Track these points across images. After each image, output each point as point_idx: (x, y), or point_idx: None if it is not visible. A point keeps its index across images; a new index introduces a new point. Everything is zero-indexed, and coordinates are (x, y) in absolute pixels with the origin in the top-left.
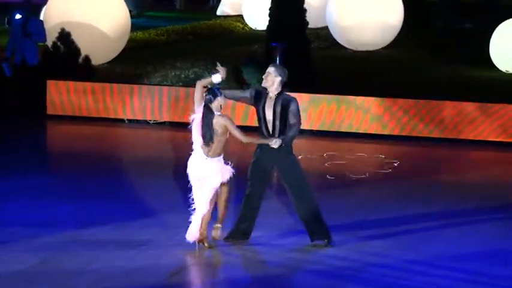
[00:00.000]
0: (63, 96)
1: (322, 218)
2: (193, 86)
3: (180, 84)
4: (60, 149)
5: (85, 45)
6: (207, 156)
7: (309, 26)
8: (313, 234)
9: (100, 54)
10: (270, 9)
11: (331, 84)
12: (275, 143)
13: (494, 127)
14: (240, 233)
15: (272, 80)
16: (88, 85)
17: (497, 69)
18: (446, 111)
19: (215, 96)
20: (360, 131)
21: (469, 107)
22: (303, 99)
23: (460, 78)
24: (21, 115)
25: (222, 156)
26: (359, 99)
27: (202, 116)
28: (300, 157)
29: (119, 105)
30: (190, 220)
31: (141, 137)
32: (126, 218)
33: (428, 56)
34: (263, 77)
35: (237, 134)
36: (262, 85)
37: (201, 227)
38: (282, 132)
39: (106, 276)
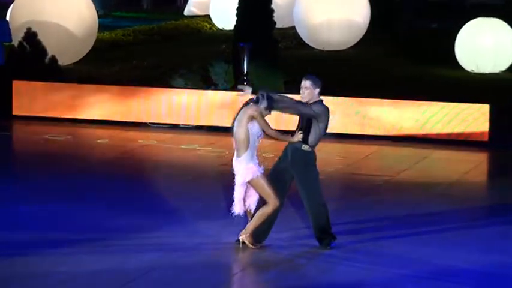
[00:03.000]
0: (30, 96)
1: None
2: (161, 86)
3: (148, 84)
4: (26, 149)
5: (52, 45)
6: (236, 156)
7: (276, 26)
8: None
9: (67, 54)
10: (237, 9)
11: (298, 84)
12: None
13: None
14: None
15: (311, 95)
16: (55, 85)
17: (463, 69)
18: (411, 110)
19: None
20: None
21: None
22: None
23: (426, 78)
24: None
25: (248, 155)
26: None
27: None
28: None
29: (86, 106)
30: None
31: (108, 138)
32: (93, 220)
33: (394, 55)
34: (301, 92)
35: (262, 123)
36: (302, 100)
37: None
38: (304, 138)
39: (73, 277)
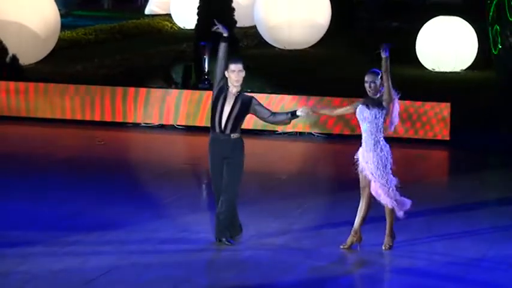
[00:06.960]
0: None
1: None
2: (122, 85)
3: (109, 83)
4: None
5: (13, 45)
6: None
7: (237, 25)
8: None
9: (28, 53)
10: (198, 8)
11: (259, 83)
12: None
13: None
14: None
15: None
16: (15, 84)
17: (424, 67)
18: None
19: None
20: (288, 130)
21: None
22: None
23: None
24: None
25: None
26: (286, 98)
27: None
28: None
29: (48, 105)
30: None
31: (69, 137)
32: (54, 219)
33: (355, 54)
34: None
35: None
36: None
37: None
38: (234, 127)
39: (34, 277)
